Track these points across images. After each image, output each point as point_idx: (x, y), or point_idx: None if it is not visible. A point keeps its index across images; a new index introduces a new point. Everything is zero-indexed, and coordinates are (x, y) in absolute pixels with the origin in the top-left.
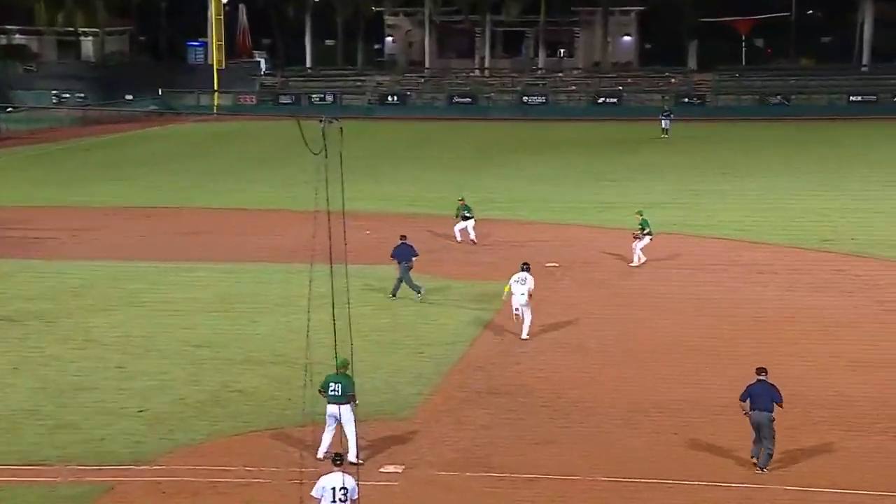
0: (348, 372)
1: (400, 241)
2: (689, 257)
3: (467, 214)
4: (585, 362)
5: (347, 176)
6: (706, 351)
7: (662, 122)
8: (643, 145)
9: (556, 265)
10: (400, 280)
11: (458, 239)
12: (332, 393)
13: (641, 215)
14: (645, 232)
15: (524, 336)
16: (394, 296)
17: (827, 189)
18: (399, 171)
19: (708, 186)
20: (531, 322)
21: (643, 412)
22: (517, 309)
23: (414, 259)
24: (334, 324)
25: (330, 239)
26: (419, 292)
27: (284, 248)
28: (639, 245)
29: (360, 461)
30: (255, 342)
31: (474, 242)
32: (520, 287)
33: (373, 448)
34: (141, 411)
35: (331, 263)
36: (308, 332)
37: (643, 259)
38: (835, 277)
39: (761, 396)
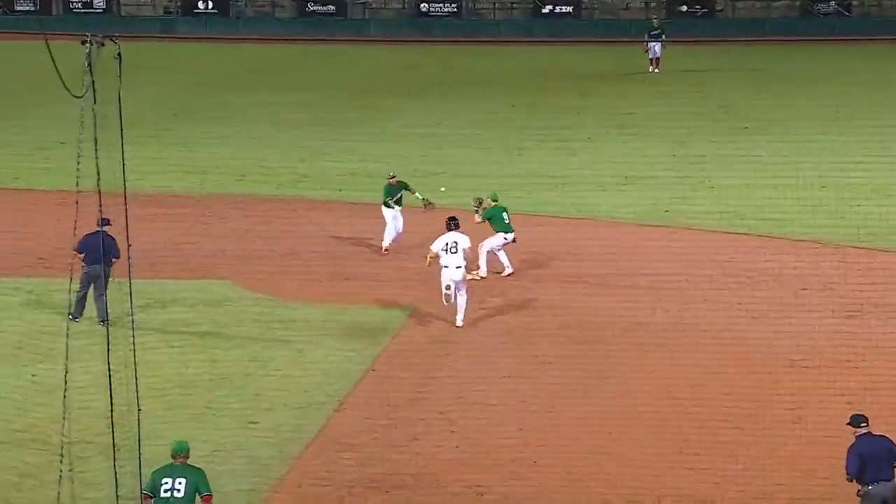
0: (191, 462)
1: (97, 229)
2: (689, 264)
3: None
4: (524, 434)
5: (132, 133)
6: (717, 415)
7: (649, 46)
8: (617, 84)
9: (478, 277)
10: (87, 289)
11: (386, 244)
12: (170, 495)
13: (496, 201)
14: (480, 219)
15: (459, 323)
16: (74, 317)
17: None
18: (218, 127)
19: (719, 150)
20: (467, 302)
21: None
22: (448, 287)
23: (114, 262)
24: (110, 378)
25: (102, 237)
26: (103, 320)
27: (26, 251)
28: (487, 244)
29: None
30: None
31: (385, 250)
32: (453, 258)
33: None
34: None
35: (104, 277)
36: (66, 391)
37: (481, 272)
38: None
39: (878, 458)
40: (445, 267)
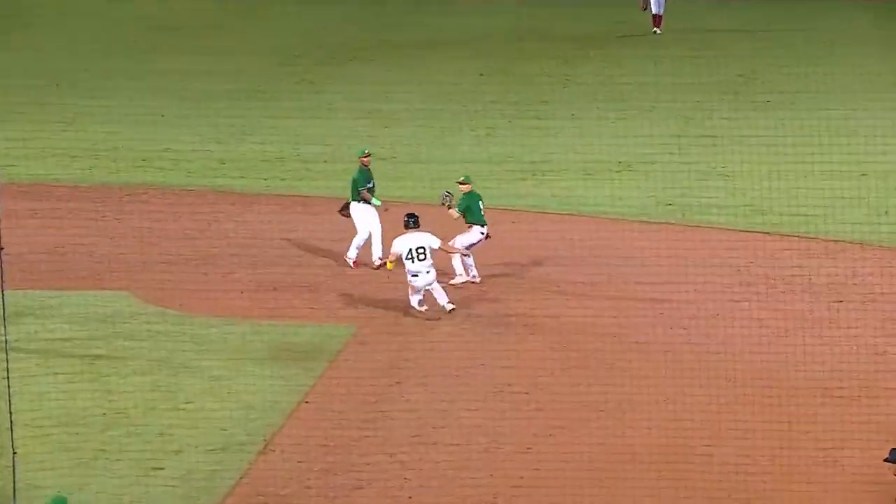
0: None
1: None
2: (697, 270)
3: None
4: (493, 480)
5: (4, 108)
6: (731, 456)
7: (650, 1)
8: (608, 49)
9: (459, 284)
10: None
11: (352, 255)
12: None
13: (468, 183)
14: (457, 214)
15: (448, 307)
16: None
17: None
18: (114, 101)
19: (735, 129)
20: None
21: None
22: (420, 303)
23: None
24: None
25: None
26: None
27: None
28: (461, 241)
29: None
30: None
31: (354, 263)
32: (420, 265)
33: None
34: None
35: None
36: None
37: (467, 276)
38: None
39: None
40: (414, 276)
